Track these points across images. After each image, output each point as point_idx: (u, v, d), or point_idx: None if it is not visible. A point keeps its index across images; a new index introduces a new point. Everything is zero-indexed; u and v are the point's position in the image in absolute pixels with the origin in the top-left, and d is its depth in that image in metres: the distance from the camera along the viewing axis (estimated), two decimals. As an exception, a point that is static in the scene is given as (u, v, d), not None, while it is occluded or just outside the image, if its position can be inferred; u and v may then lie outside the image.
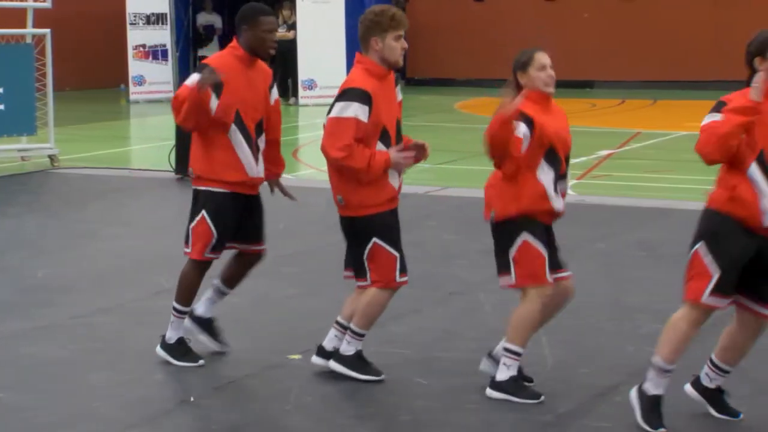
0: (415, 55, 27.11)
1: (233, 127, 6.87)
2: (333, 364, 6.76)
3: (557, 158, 6.36)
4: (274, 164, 7.25)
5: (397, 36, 6.55)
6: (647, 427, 5.91)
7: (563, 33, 27.33)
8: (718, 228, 5.80)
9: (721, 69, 23.16)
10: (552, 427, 6.09)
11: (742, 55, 5.85)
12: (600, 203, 12.29)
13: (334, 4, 24.47)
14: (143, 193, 13.87)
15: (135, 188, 14.14)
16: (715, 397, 6.14)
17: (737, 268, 5.81)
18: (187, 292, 7.03)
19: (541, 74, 6.34)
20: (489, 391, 6.40)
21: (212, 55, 7.24)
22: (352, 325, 6.72)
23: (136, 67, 25.72)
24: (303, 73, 24.58)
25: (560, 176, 6.41)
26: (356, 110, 6.42)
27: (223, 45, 26.20)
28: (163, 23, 25.99)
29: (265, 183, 7.21)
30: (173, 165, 14.26)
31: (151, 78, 25.77)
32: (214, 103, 6.80)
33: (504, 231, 6.38)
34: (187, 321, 7.18)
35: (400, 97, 6.76)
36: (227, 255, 7.12)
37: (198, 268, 7.02)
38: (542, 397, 6.35)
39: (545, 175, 6.32)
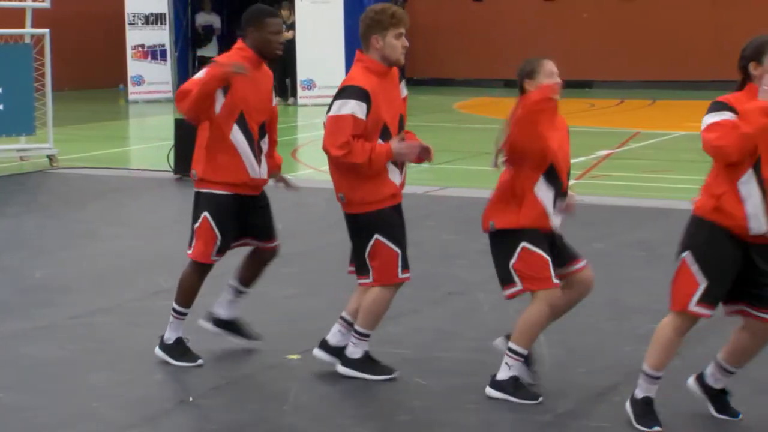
0: (414, 55, 27.07)
1: (236, 128, 6.85)
2: (342, 369, 6.74)
3: (557, 177, 6.33)
4: (271, 159, 7.22)
5: (398, 34, 6.55)
6: (642, 428, 5.91)
7: (563, 33, 27.36)
8: (705, 238, 5.77)
9: (720, 69, 23.03)
10: (551, 427, 6.09)
11: (741, 56, 5.83)
12: (599, 203, 12.27)
13: (333, 4, 24.49)
14: (142, 193, 13.87)
15: (134, 188, 14.13)
16: (717, 396, 6.14)
17: (725, 277, 5.78)
18: (187, 294, 7.04)
19: (550, 81, 6.32)
20: (488, 390, 6.41)
21: (219, 56, 7.21)
22: (356, 326, 6.70)
23: (134, 67, 25.74)
24: (302, 73, 24.60)
25: (561, 194, 6.39)
26: (353, 107, 6.42)
27: (222, 45, 26.24)
28: (161, 23, 26.01)
29: (270, 181, 7.22)
30: (172, 165, 14.26)
31: (150, 78, 25.78)
32: (219, 102, 6.80)
33: (503, 241, 6.36)
34: (211, 327, 7.25)
35: (405, 92, 6.74)
36: (228, 256, 7.12)
37: (199, 271, 7.02)
38: (541, 398, 6.34)
39: (544, 193, 6.30)
